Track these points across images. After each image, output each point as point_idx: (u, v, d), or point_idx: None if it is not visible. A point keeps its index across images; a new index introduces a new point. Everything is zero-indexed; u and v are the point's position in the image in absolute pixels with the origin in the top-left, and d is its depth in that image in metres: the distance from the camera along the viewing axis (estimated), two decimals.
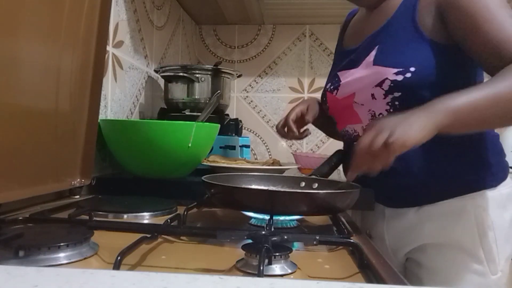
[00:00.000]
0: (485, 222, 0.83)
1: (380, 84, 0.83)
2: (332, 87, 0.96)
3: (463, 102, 0.67)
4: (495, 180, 0.85)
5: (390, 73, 0.81)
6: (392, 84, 0.81)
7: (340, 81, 0.93)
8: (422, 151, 0.82)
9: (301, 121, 0.99)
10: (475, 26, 0.76)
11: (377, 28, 0.89)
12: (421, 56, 0.81)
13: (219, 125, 1.10)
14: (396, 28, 0.85)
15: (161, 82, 1.53)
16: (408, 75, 0.80)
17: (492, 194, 0.84)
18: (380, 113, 0.86)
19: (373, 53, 0.86)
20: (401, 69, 0.81)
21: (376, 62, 0.85)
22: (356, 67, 0.90)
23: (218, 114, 1.41)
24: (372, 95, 0.85)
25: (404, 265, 0.94)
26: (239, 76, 1.58)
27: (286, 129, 0.98)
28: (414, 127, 0.63)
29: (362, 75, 0.87)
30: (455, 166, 0.84)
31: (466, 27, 0.77)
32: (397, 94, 0.82)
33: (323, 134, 2.12)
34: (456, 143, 0.79)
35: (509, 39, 0.73)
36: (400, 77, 0.81)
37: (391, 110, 0.84)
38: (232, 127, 1.52)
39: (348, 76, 0.92)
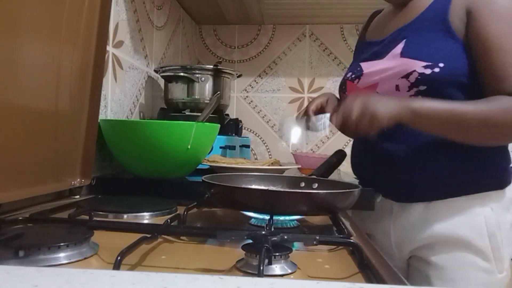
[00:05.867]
0: (494, 222, 0.84)
1: (407, 76, 0.84)
2: (353, 76, 0.97)
3: (427, 107, 0.77)
4: (501, 183, 0.88)
5: (419, 66, 0.83)
6: (419, 77, 0.83)
7: (363, 70, 0.94)
8: (433, 147, 0.86)
9: (320, 113, 1.00)
10: (487, 50, 0.79)
11: (405, 23, 0.91)
12: (451, 53, 0.83)
13: (219, 125, 1.10)
14: (426, 25, 0.87)
15: (161, 82, 1.53)
16: (437, 70, 0.82)
17: (498, 196, 0.86)
18: None
19: (401, 45, 0.88)
20: (430, 63, 0.82)
21: (404, 54, 0.86)
22: (381, 59, 0.91)
23: (218, 114, 1.41)
24: (397, 86, 0.86)
25: (407, 261, 0.94)
26: (239, 76, 1.58)
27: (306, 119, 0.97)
28: (384, 108, 0.76)
29: (388, 66, 0.88)
30: (464, 166, 0.85)
31: (479, 45, 0.81)
32: (422, 88, 0.83)
33: (323, 134, 2.11)
34: (466, 144, 0.82)
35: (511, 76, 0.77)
36: (428, 71, 0.82)
37: None
38: (232, 127, 1.51)
39: (371, 67, 0.93)
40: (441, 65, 0.82)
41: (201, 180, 0.74)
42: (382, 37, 0.95)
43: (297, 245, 0.61)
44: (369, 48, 0.97)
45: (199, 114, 1.12)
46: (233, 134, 1.50)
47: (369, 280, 0.47)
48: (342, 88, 1.01)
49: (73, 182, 0.88)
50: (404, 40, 0.88)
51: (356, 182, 0.92)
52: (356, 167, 1.04)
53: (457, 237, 0.85)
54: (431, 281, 0.87)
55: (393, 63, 0.87)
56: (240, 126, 1.61)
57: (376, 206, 0.94)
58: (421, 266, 0.90)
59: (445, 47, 0.83)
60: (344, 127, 0.78)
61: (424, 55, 0.83)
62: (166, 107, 1.48)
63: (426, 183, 0.87)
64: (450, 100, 0.80)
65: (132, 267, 0.48)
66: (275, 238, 0.50)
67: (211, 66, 1.43)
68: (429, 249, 0.88)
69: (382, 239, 0.96)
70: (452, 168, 0.85)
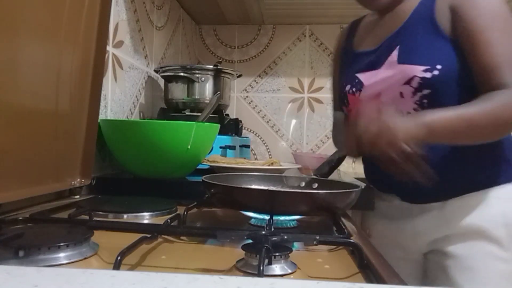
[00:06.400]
0: (509, 213, 0.86)
1: (408, 82, 0.85)
2: (354, 89, 0.96)
3: (439, 121, 0.76)
4: None
5: (418, 71, 0.83)
6: (421, 81, 0.83)
7: (362, 82, 0.94)
8: (447, 149, 0.87)
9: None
10: (475, 45, 0.81)
11: (395, 30, 0.91)
12: (445, 54, 0.83)
13: (219, 125, 1.10)
14: (416, 28, 0.87)
15: (161, 82, 1.53)
16: (436, 72, 0.82)
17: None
18: (408, 112, 0.87)
19: (395, 52, 0.88)
20: (428, 67, 0.83)
21: (400, 61, 0.87)
22: (378, 68, 0.91)
23: (218, 114, 1.41)
24: (401, 93, 0.87)
25: (425, 255, 0.95)
26: (239, 76, 1.58)
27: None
28: (403, 127, 0.73)
29: (387, 75, 0.88)
30: (478, 164, 0.87)
31: (466, 41, 0.82)
32: (426, 92, 0.84)
33: (323, 134, 2.12)
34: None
35: (501, 67, 0.78)
36: (428, 74, 0.83)
37: (419, 109, 0.86)
38: (232, 127, 1.52)
39: (370, 77, 0.92)
40: (439, 67, 0.82)
41: (201, 180, 0.74)
42: (375, 47, 0.95)
43: (297, 245, 0.61)
44: (362, 58, 0.97)
45: (199, 114, 1.12)
46: (233, 134, 1.50)
47: (369, 280, 0.47)
48: (344, 102, 1.00)
49: (73, 182, 0.88)
50: (398, 47, 0.88)
51: (356, 182, 0.92)
52: (370, 173, 1.04)
53: (474, 227, 0.86)
54: (448, 272, 0.87)
55: (392, 71, 0.88)
56: (240, 126, 1.61)
57: (393, 207, 0.95)
58: (438, 259, 0.91)
59: (438, 48, 0.84)
60: (358, 145, 0.75)
61: (420, 59, 0.84)
62: (166, 107, 1.48)
63: (443, 185, 0.88)
64: (455, 99, 0.81)
65: (132, 267, 0.48)
66: (275, 238, 0.50)
67: (211, 66, 1.43)
68: (446, 240, 0.89)
69: (397, 232, 0.97)
70: (467, 168, 0.87)
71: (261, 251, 0.45)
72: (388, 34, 0.92)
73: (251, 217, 0.74)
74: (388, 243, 0.97)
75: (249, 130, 2.13)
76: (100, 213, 0.74)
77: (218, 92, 1.36)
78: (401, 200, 0.95)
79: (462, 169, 0.87)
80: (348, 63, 1.02)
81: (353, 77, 0.96)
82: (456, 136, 0.79)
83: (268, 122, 2.13)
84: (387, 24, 0.94)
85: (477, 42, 0.80)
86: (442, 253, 0.90)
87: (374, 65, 0.92)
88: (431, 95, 0.84)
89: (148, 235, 0.54)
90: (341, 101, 1.02)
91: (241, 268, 0.48)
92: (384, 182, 0.98)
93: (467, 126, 0.77)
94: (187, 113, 1.41)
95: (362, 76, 0.95)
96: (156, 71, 1.49)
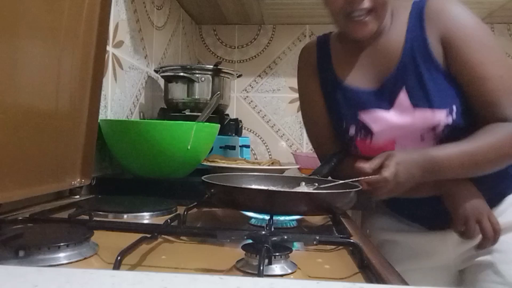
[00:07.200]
0: None
1: (433, 128, 0.84)
2: (362, 134, 0.91)
3: (445, 160, 0.79)
4: None
5: (442, 116, 0.82)
6: (445, 127, 0.83)
7: (370, 127, 0.89)
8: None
9: None
10: (474, 78, 0.82)
11: (393, 67, 0.87)
12: (452, 91, 0.83)
13: (219, 125, 1.10)
14: (417, 66, 0.84)
15: (161, 82, 1.53)
16: (455, 114, 0.82)
17: None
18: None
19: (404, 96, 0.85)
20: (447, 109, 0.82)
21: (416, 105, 0.84)
22: (386, 110, 0.87)
23: (218, 114, 1.41)
24: (422, 136, 0.85)
25: (460, 260, 0.94)
26: (239, 76, 1.58)
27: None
28: (410, 178, 0.77)
29: (404, 121, 0.85)
30: (503, 175, 0.87)
31: (464, 75, 0.82)
32: (446, 132, 0.83)
33: None
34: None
35: (500, 101, 0.80)
36: (450, 118, 0.82)
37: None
38: (232, 127, 1.51)
39: (380, 122, 0.88)
40: (455, 107, 0.82)
41: (201, 180, 0.74)
42: (373, 86, 0.89)
43: (297, 245, 0.61)
44: (359, 96, 0.90)
45: (199, 114, 1.12)
46: (233, 134, 1.50)
47: (369, 280, 0.47)
48: (351, 146, 0.93)
49: (73, 182, 0.88)
50: (404, 88, 0.85)
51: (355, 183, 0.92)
52: (402, 208, 1.00)
53: (508, 221, 0.87)
54: (496, 268, 0.87)
55: (409, 117, 0.85)
56: (240, 126, 1.61)
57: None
58: (482, 260, 0.90)
59: (446, 86, 0.83)
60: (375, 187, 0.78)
61: (438, 102, 0.82)
62: (166, 107, 1.48)
63: None
64: (471, 132, 0.81)
65: (132, 267, 0.48)
66: (275, 238, 0.50)
67: (211, 66, 1.43)
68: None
69: (434, 241, 0.95)
70: (493, 181, 0.87)
71: (261, 251, 0.45)
72: (387, 73, 0.87)
73: (251, 217, 0.74)
74: (412, 254, 0.96)
75: (249, 130, 2.13)
76: (100, 213, 0.74)
77: (218, 92, 1.36)
78: (428, 229, 0.95)
79: (495, 180, 0.87)
80: (337, 95, 0.94)
81: (355, 118, 0.90)
82: (461, 171, 0.81)
83: (268, 122, 2.13)
84: (379, 59, 0.89)
85: (474, 77, 0.81)
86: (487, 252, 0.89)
87: (378, 106, 0.88)
88: (452, 133, 0.83)
89: (148, 235, 0.54)
90: (347, 144, 0.95)
91: (241, 268, 0.48)
92: (410, 212, 0.97)
93: (472, 160, 0.79)
94: (187, 113, 1.41)
95: (367, 119, 0.89)
96: (156, 71, 1.49)
